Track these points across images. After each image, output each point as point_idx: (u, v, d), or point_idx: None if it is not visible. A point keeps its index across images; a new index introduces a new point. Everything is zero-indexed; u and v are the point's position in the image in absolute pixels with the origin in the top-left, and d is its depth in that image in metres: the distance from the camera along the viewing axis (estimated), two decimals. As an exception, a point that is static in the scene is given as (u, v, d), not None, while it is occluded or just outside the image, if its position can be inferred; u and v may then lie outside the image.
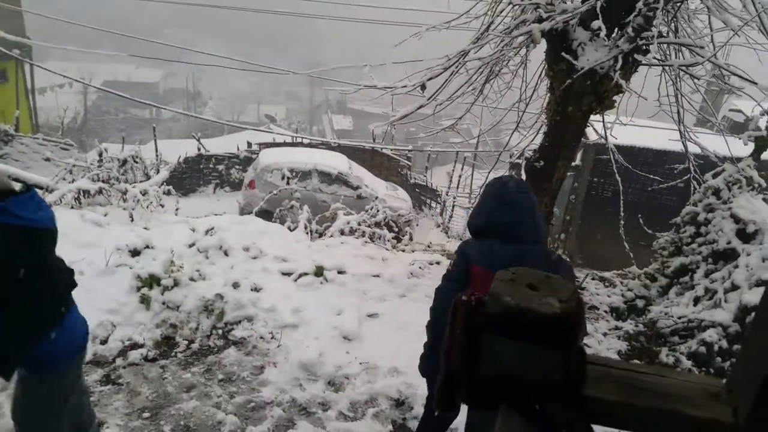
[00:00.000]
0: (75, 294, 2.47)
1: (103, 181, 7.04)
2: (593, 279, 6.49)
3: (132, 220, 6.22)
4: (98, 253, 4.72)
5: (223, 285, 4.84)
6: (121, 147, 12.87)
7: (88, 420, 2.77)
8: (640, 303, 5.63)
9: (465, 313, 0.96)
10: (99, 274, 4.58)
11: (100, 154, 8.11)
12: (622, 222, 5.87)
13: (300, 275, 5.21)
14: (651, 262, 6.02)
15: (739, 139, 5.19)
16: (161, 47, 14.07)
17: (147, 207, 6.90)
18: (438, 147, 16.06)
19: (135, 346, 4.16)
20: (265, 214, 7.77)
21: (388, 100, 5.31)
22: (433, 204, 15.36)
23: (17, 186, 2.17)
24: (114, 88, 19.78)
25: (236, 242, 5.47)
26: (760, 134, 5.34)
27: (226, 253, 5.35)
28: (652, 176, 6.94)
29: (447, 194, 14.83)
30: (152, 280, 4.61)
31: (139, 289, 4.55)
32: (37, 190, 2.35)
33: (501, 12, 4.87)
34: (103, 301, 4.29)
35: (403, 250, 7.04)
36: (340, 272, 5.35)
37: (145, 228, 5.67)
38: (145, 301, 4.48)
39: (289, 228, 6.53)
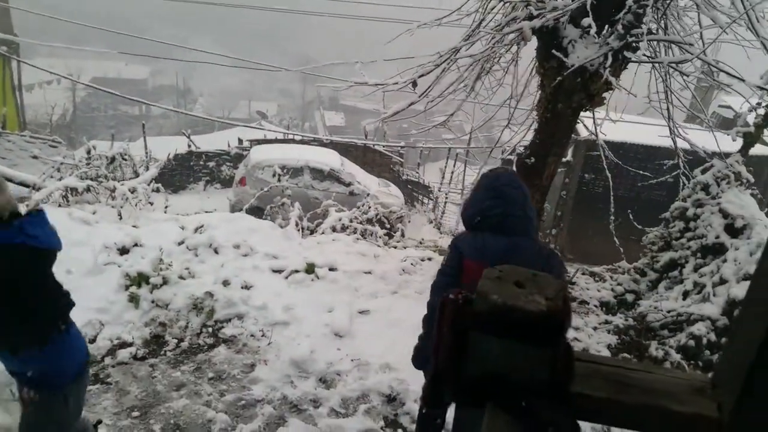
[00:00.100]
0: None
1: (91, 179, 6.98)
2: (584, 274, 6.52)
3: (120, 218, 6.18)
4: (86, 252, 4.68)
5: (213, 283, 4.82)
6: (110, 144, 12.78)
7: None
8: (629, 297, 5.67)
9: (452, 311, 0.96)
10: (87, 273, 4.55)
11: (89, 152, 8.03)
12: (612, 217, 5.91)
13: (291, 272, 5.19)
14: (641, 257, 6.06)
15: (728, 135, 5.23)
16: (152, 44, 13.95)
17: (136, 205, 6.85)
18: (430, 143, 16.07)
19: (124, 344, 4.13)
20: (257, 211, 7.74)
21: (380, 97, 5.30)
22: (426, 200, 15.37)
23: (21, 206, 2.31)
24: (103, 85, 19.60)
25: (226, 240, 5.44)
26: (748, 130, 5.38)
27: (216, 251, 5.32)
28: (642, 172, 6.98)
29: (439, 190, 14.85)
30: (141, 279, 4.58)
31: (127, 287, 4.52)
32: (24, 188, 2.41)
33: (492, 9, 4.87)
34: (91, 299, 4.26)
35: (395, 247, 7.04)
36: (331, 269, 5.34)
37: (134, 226, 5.63)
38: (133, 299, 4.45)
39: (280, 225, 6.51)
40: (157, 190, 7.92)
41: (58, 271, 2.41)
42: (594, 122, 5.41)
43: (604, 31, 4.03)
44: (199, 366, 4.03)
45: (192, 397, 3.69)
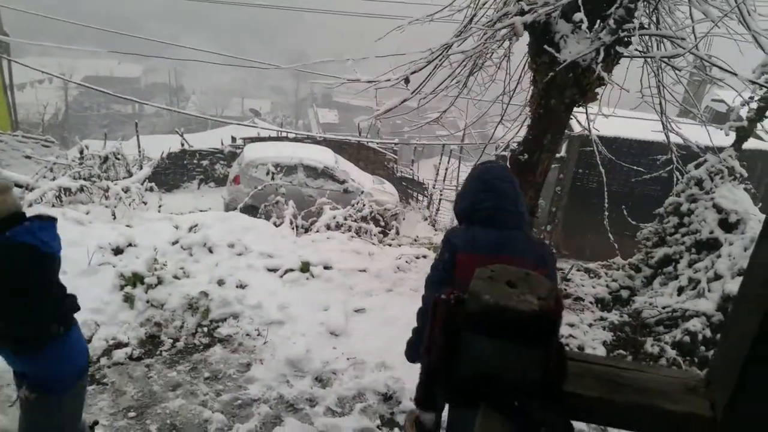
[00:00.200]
0: None
1: (84, 179, 6.94)
2: (578, 270, 6.54)
3: (114, 218, 6.15)
4: (80, 252, 4.65)
5: (208, 282, 4.80)
6: (103, 143, 12.71)
7: None
8: (624, 293, 5.69)
9: (444, 311, 0.96)
10: (81, 273, 4.52)
11: (81, 152, 7.98)
12: (606, 213, 5.92)
13: (286, 271, 5.18)
14: (636, 253, 6.08)
15: (721, 129, 5.24)
16: (144, 42, 13.86)
17: (129, 204, 6.82)
18: (424, 140, 16.07)
19: (119, 345, 4.11)
20: (251, 210, 7.72)
21: (373, 93, 5.29)
22: (420, 197, 15.37)
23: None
24: (95, 84, 19.46)
25: (221, 239, 5.43)
26: (741, 125, 5.40)
27: (210, 250, 5.31)
28: (635, 167, 6.99)
29: (434, 187, 14.85)
30: (135, 279, 4.56)
31: (122, 287, 4.50)
32: (17, 188, 2.45)
33: (484, 5, 4.86)
34: (86, 300, 4.18)
35: (390, 245, 7.04)
36: (326, 267, 5.34)
37: (128, 226, 5.60)
38: (128, 299, 4.43)
39: (274, 224, 6.50)
40: (151, 190, 7.88)
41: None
42: (587, 117, 5.42)
43: (596, 26, 4.02)
44: (195, 366, 4.02)
45: (188, 397, 3.68)
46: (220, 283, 4.83)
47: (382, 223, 8.03)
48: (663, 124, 5.27)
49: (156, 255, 4.88)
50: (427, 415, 2.13)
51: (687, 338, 4.50)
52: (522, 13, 3.98)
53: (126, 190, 6.94)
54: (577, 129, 8.93)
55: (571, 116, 5.11)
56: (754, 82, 4.29)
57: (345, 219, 7.01)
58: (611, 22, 3.89)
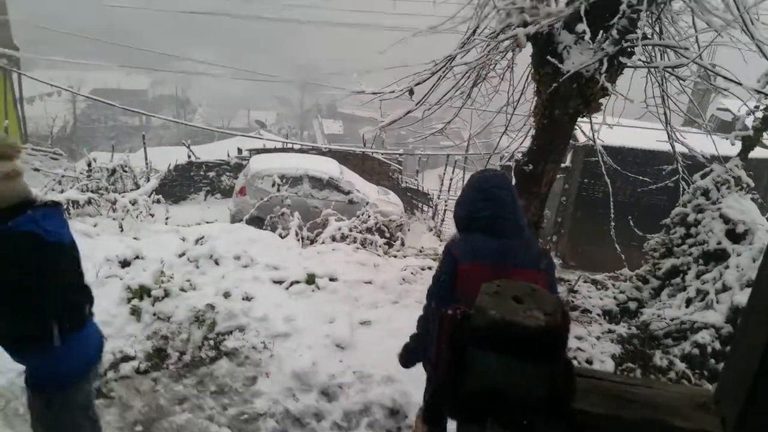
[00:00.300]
0: None
1: (92, 192, 7.00)
2: (585, 282, 6.50)
3: (122, 231, 6.19)
4: (88, 265, 4.64)
5: (214, 295, 4.81)
6: (110, 155, 12.82)
7: None
8: (632, 305, 5.64)
9: (450, 326, 0.96)
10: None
11: (89, 164, 8.05)
12: (612, 223, 5.89)
13: (292, 283, 5.18)
14: (643, 264, 6.04)
15: (727, 139, 5.22)
16: (152, 56, 14.03)
17: (137, 217, 6.86)
18: (428, 150, 16.10)
19: (126, 358, 4.11)
20: (257, 221, 7.74)
21: (378, 104, 5.32)
22: (425, 207, 15.37)
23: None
24: (103, 96, 19.68)
25: (227, 251, 5.44)
26: (746, 134, 5.38)
27: (216, 262, 5.32)
28: (641, 177, 6.97)
29: (438, 197, 14.84)
30: (143, 291, 4.58)
31: (129, 300, 4.51)
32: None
33: (486, 16, 4.88)
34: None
35: (395, 256, 7.03)
36: (331, 279, 5.33)
37: (135, 238, 5.63)
38: (135, 312, 4.44)
39: (280, 235, 6.51)
40: (158, 202, 7.93)
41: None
42: (591, 127, 5.41)
43: (599, 37, 4.03)
44: (202, 379, 4.01)
45: (195, 411, 3.68)
46: (226, 295, 4.83)
47: (387, 234, 8.03)
48: (668, 133, 5.26)
49: (163, 267, 4.90)
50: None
51: (696, 351, 4.45)
52: (525, 24, 4.00)
53: (133, 203, 6.99)
54: (581, 139, 8.93)
55: (576, 126, 5.11)
56: (759, 92, 4.28)
57: (350, 230, 7.02)
58: (614, 32, 3.90)
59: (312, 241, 6.85)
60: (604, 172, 5.69)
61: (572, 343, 4.77)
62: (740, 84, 3.98)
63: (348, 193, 11.34)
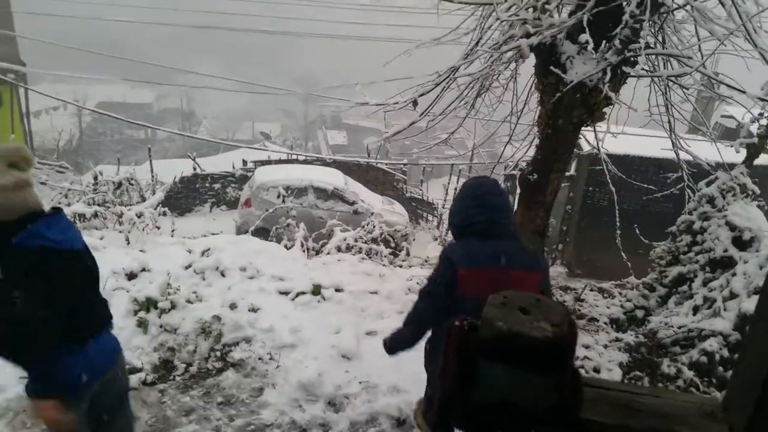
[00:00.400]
0: None
1: (98, 205, 7.04)
2: (592, 290, 6.48)
3: (128, 243, 6.22)
4: (94, 278, 4.69)
5: (221, 306, 4.82)
6: (116, 168, 12.92)
7: None
8: (639, 313, 5.62)
9: (458, 338, 0.96)
10: (95, 299, 4.55)
11: (95, 177, 8.11)
12: (618, 231, 5.88)
13: (297, 294, 5.19)
14: (649, 271, 6.02)
15: (731, 146, 5.22)
16: (156, 69, 14.16)
17: (143, 229, 6.90)
18: (433, 160, 16.13)
19: (133, 370, 4.11)
20: (262, 233, 7.77)
21: (382, 115, 5.35)
22: (430, 217, 15.38)
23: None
24: (109, 110, 19.84)
25: (233, 262, 5.46)
26: (751, 141, 5.37)
27: (222, 274, 5.33)
28: (646, 185, 6.96)
29: (443, 207, 14.86)
30: (149, 303, 4.59)
31: (136, 312, 4.53)
32: None
33: (489, 27, 4.92)
34: (99, 326, 4.26)
35: (401, 266, 7.03)
36: (337, 290, 5.33)
37: (141, 251, 5.66)
38: (142, 324, 4.45)
39: (285, 246, 6.53)
40: (164, 214, 7.97)
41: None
42: (595, 136, 5.43)
43: (602, 47, 4.05)
44: (208, 391, 4.01)
45: (201, 422, 3.68)
46: (233, 306, 4.84)
47: (393, 244, 8.04)
48: (672, 142, 5.26)
49: (169, 279, 4.92)
50: None
51: (704, 358, 4.43)
52: (527, 35, 4.03)
53: (139, 215, 7.03)
54: (586, 148, 8.93)
55: (580, 135, 5.12)
56: (763, 99, 4.28)
57: (355, 240, 7.03)
58: (617, 42, 3.92)
59: (317, 252, 6.87)
60: (609, 181, 5.70)
61: (580, 351, 4.75)
62: (744, 92, 3.98)
63: (353, 203, 11.37)
